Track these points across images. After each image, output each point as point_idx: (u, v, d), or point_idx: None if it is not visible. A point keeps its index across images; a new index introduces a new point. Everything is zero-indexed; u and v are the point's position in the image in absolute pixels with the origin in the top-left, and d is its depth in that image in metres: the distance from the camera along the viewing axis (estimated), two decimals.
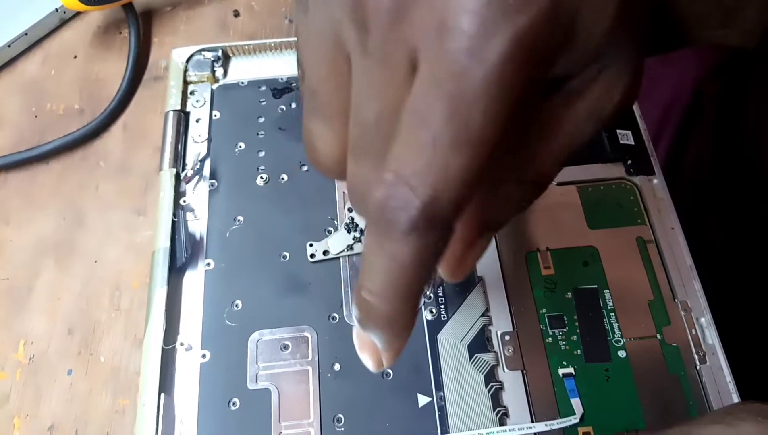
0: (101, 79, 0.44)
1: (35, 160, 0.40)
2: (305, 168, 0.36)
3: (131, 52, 0.44)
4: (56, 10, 0.45)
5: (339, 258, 0.34)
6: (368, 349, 0.19)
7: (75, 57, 0.45)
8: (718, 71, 0.56)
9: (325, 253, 0.34)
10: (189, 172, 0.36)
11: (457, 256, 0.20)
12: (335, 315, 0.32)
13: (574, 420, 0.29)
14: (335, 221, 0.35)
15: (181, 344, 0.31)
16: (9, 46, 0.44)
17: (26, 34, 0.45)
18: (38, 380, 0.34)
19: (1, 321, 0.35)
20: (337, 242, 0.34)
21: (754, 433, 0.20)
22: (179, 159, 0.37)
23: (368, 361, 0.20)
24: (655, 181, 0.36)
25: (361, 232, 0.34)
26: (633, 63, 0.18)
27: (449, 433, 0.29)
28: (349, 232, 0.34)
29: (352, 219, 0.34)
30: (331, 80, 0.18)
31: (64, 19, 0.46)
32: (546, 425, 0.29)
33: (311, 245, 0.34)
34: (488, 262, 0.34)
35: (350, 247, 0.34)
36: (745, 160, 0.51)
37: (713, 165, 0.53)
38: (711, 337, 0.31)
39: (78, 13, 0.46)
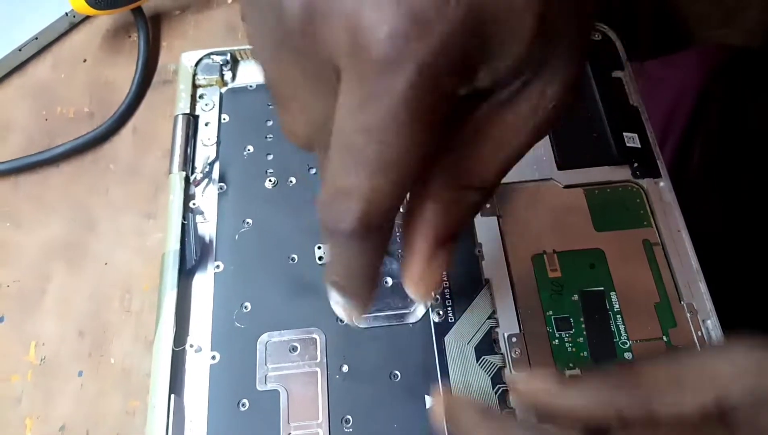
0: (111, 82, 0.44)
1: (46, 163, 0.41)
2: (313, 171, 0.37)
3: (140, 56, 0.44)
4: (66, 14, 0.46)
5: None
6: (340, 306, 0.22)
7: (85, 61, 0.45)
8: (722, 72, 0.56)
9: None
10: (198, 175, 0.36)
11: (420, 270, 0.21)
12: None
13: None
14: None
15: (191, 346, 0.32)
16: (20, 50, 0.45)
17: (36, 38, 0.45)
18: (49, 382, 0.34)
19: (12, 323, 0.36)
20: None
21: (745, 358, 0.20)
22: (189, 162, 0.37)
23: (341, 314, 0.23)
24: (662, 183, 0.36)
25: None
26: (564, 70, 0.17)
27: None
28: None
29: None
30: (277, 75, 0.19)
31: (73, 23, 0.47)
32: None
33: (319, 248, 0.34)
34: (495, 265, 0.34)
35: None
36: (751, 160, 0.51)
37: (719, 166, 0.53)
38: (717, 339, 0.31)
39: (87, 17, 0.47)
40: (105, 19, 0.47)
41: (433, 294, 0.22)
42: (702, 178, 0.52)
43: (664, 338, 0.32)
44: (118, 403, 0.33)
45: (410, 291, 0.21)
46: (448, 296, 0.33)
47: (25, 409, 0.34)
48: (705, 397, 0.20)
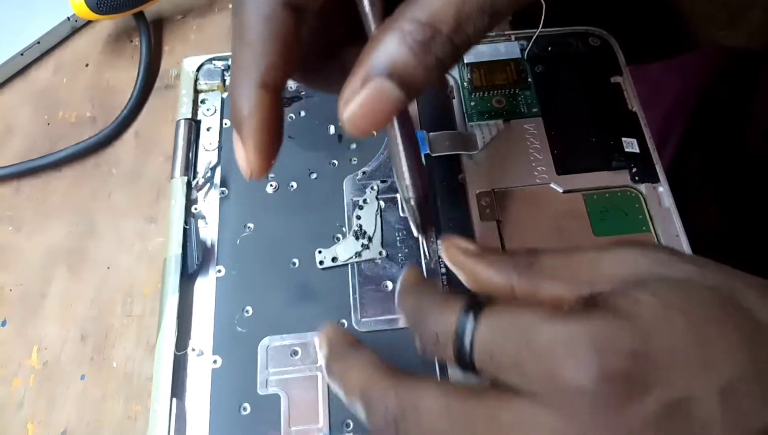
0: (113, 87, 0.44)
1: (48, 167, 0.41)
2: (314, 175, 0.37)
3: (142, 61, 0.44)
4: (68, 18, 0.46)
5: (347, 265, 0.34)
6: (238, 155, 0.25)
7: (87, 65, 0.46)
8: (723, 75, 0.56)
9: (333, 259, 0.34)
10: (200, 180, 0.36)
11: (352, 88, 0.22)
12: (344, 321, 0.33)
13: None
14: (343, 228, 0.35)
15: (193, 350, 0.32)
16: (21, 54, 0.45)
17: (38, 42, 0.45)
18: (51, 386, 0.34)
19: (14, 327, 0.36)
20: (346, 249, 0.34)
21: (628, 254, 0.21)
22: (190, 167, 0.37)
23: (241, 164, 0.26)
24: (660, 188, 0.36)
25: (369, 239, 0.35)
26: None
27: None
28: (357, 239, 0.35)
29: (360, 226, 0.35)
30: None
31: (75, 28, 0.47)
32: None
33: (320, 252, 0.34)
34: None
35: (358, 254, 0.34)
36: (750, 165, 0.52)
37: (718, 171, 0.53)
38: None
39: (89, 22, 0.47)
40: (107, 24, 0.47)
41: (359, 128, 0.23)
42: (701, 183, 0.52)
43: None
44: (119, 408, 0.34)
45: (340, 111, 0.22)
46: None
47: (27, 413, 0.34)
48: (583, 286, 0.21)
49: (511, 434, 0.19)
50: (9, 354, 0.35)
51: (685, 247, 0.34)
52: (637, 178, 0.36)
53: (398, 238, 0.35)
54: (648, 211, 0.35)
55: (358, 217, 0.35)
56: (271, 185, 0.37)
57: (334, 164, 0.37)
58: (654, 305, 0.20)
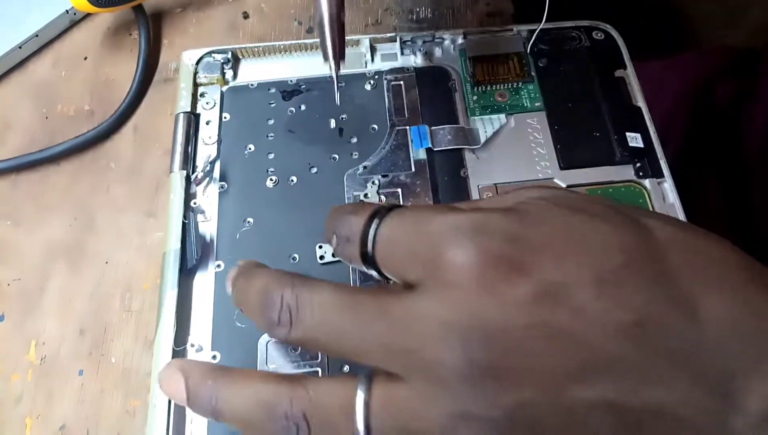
0: (111, 80, 0.44)
1: (46, 161, 0.41)
2: (314, 170, 0.36)
3: (141, 54, 0.44)
4: (66, 11, 0.46)
5: None
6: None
7: (85, 59, 0.45)
8: (724, 74, 0.56)
9: (334, 254, 0.34)
10: (199, 174, 0.36)
11: None
12: None
13: None
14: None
15: (192, 345, 0.32)
16: (20, 47, 0.44)
17: (37, 35, 0.45)
18: (50, 381, 0.34)
19: (13, 322, 0.36)
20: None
21: (537, 191, 0.23)
22: (189, 161, 0.37)
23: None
24: (665, 183, 0.36)
25: None
26: None
27: None
28: None
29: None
30: None
31: (74, 21, 0.47)
32: None
33: (321, 247, 0.34)
34: None
35: None
36: (754, 162, 0.51)
37: (722, 167, 0.53)
38: None
39: (88, 15, 0.47)
40: (106, 17, 0.47)
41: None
42: (705, 179, 0.52)
43: None
44: (118, 403, 0.33)
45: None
46: None
47: (25, 408, 0.33)
48: None
49: (400, 324, 0.20)
50: (7, 349, 0.35)
51: None
52: (641, 173, 0.36)
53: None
54: (652, 206, 0.35)
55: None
56: (271, 179, 0.36)
57: (334, 158, 0.37)
58: (539, 202, 0.22)
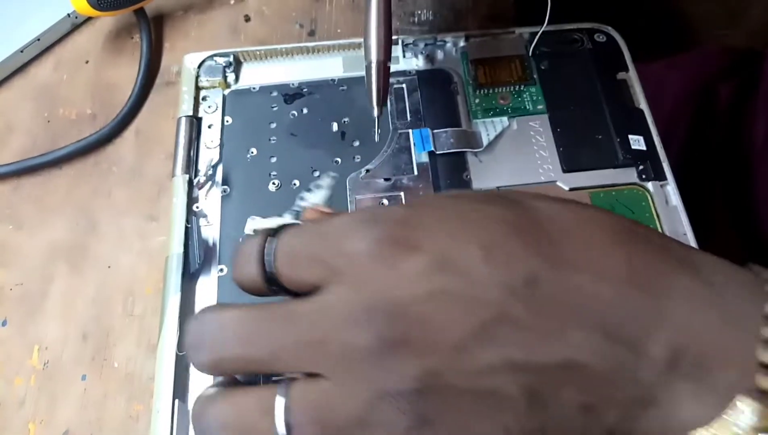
0: (113, 84, 0.44)
1: (48, 165, 0.41)
2: (317, 173, 0.36)
3: (143, 57, 0.44)
4: (68, 15, 0.46)
5: None
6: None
7: (87, 62, 0.45)
8: (725, 75, 0.56)
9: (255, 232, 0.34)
10: (201, 178, 0.36)
11: None
12: None
13: None
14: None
15: None
16: (21, 51, 0.44)
17: (38, 39, 0.45)
18: (53, 386, 0.34)
19: (15, 326, 0.36)
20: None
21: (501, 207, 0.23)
22: (192, 165, 0.37)
23: None
24: (668, 186, 0.36)
25: None
26: None
27: None
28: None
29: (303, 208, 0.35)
30: None
31: (75, 24, 0.46)
32: None
33: (253, 219, 0.34)
34: None
35: None
36: (755, 162, 0.51)
37: (724, 169, 0.53)
38: None
39: (89, 19, 0.47)
40: (107, 20, 0.47)
41: None
42: (707, 181, 0.52)
43: None
44: (121, 408, 0.33)
45: None
46: None
47: (28, 413, 0.33)
48: None
49: (307, 320, 0.21)
50: (10, 354, 0.35)
51: (693, 244, 0.34)
52: (644, 175, 0.36)
53: None
54: (655, 208, 0.35)
55: (301, 199, 0.35)
56: (274, 183, 0.36)
57: (337, 162, 0.37)
58: (427, 195, 0.25)
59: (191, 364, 0.23)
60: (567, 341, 0.20)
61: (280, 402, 0.20)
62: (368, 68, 0.32)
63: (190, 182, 0.36)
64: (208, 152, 0.38)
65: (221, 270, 0.34)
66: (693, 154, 0.53)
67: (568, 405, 0.20)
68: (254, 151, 0.37)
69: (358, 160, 0.37)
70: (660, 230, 0.34)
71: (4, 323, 0.36)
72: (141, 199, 0.39)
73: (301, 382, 0.21)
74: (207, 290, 0.33)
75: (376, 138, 0.35)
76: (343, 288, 0.21)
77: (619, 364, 0.20)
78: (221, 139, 0.38)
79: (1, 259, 0.38)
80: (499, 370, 0.19)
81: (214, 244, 0.34)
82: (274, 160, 0.37)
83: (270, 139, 0.38)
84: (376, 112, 0.33)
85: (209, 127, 0.38)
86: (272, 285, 0.23)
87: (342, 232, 0.22)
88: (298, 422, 0.20)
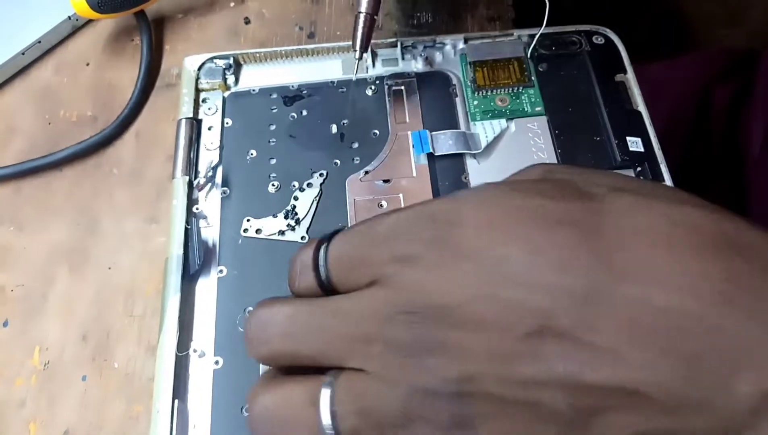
0: (114, 86, 0.44)
1: (49, 167, 0.41)
2: (316, 175, 0.37)
3: (143, 60, 0.44)
4: (69, 17, 0.46)
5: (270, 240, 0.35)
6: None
7: (87, 64, 0.45)
8: (725, 75, 0.56)
9: (258, 231, 0.35)
10: (201, 179, 0.36)
11: None
12: None
13: None
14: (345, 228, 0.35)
15: (195, 351, 0.32)
16: (22, 53, 0.45)
17: (39, 41, 0.45)
18: (53, 386, 0.34)
19: (16, 328, 0.36)
20: (273, 225, 0.35)
21: (540, 173, 0.25)
22: (192, 166, 0.37)
23: None
24: None
25: (297, 221, 0.35)
26: None
27: None
28: (285, 218, 0.35)
29: (294, 207, 0.36)
30: None
31: (76, 27, 0.47)
32: None
33: (248, 220, 0.35)
34: None
35: (281, 232, 0.35)
36: (753, 163, 0.51)
37: (722, 170, 0.53)
38: None
39: (90, 21, 0.47)
40: (108, 23, 0.47)
41: None
42: (705, 182, 0.52)
43: None
44: (121, 408, 0.33)
45: None
46: None
47: (28, 413, 0.34)
48: None
49: (352, 316, 0.21)
50: (11, 354, 0.35)
51: None
52: (641, 177, 0.36)
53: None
54: None
55: (296, 199, 0.36)
56: (273, 185, 0.36)
57: (336, 164, 0.37)
58: (478, 188, 0.23)
59: (249, 355, 0.24)
60: (627, 363, 0.18)
61: (325, 393, 0.21)
62: (357, 17, 0.35)
63: (190, 184, 0.36)
64: (208, 154, 0.38)
65: (221, 271, 0.34)
66: (691, 157, 0.53)
67: (618, 429, 0.18)
68: (254, 152, 0.38)
69: (357, 161, 0.37)
70: None
71: (5, 324, 0.36)
72: (141, 200, 0.40)
73: (346, 374, 0.21)
74: (207, 291, 0.33)
75: (354, 77, 0.39)
76: (391, 290, 0.21)
77: (688, 399, 0.18)
78: (221, 141, 0.38)
79: (2, 260, 0.38)
80: (543, 384, 0.19)
81: (214, 246, 0.35)
82: (273, 161, 0.37)
83: (269, 141, 0.38)
84: (357, 55, 0.36)
85: (209, 129, 0.39)
86: (327, 289, 0.23)
87: (391, 234, 0.22)
88: (342, 413, 0.21)
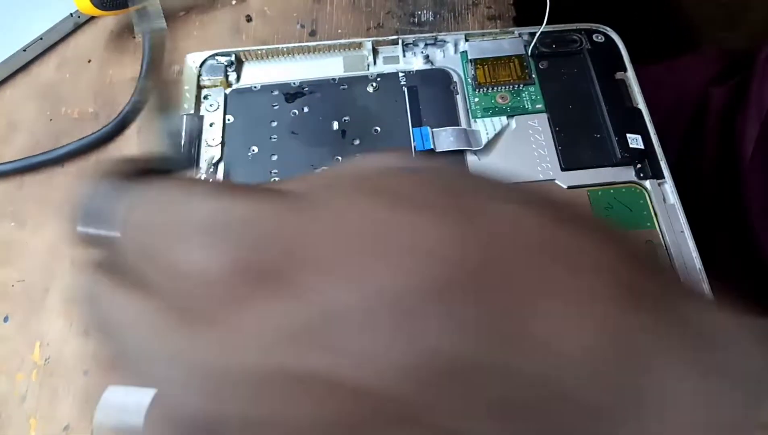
0: (115, 83, 0.44)
1: (51, 163, 0.41)
2: (318, 171, 0.37)
3: (145, 57, 0.44)
4: (71, 14, 0.46)
5: None
6: None
7: (89, 61, 0.45)
8: (724, 77, 0.56)
9: None
10: (203, 175, 0.36)
11: None
12: None
13: None
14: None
15: None
16: (24, 50, 0.45)
17: (41, 38, 0.45)
18: (54, 381, 0.34)
19: (17, 323, 0.36)
20: None
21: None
22: (193, 163, 0.37)
23: None
24: (665, 184, 0.36)
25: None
26: None
27: None
28: None
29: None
30: None
31: (78, 24, 0.47)
32: None
33: None
34: None
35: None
36: (746, 174, 0.51)
37: (719, 170, 0.53)
38: None
39: (92, 18, 0.47)
40: (110, 20, 0.47)
41: None
42: (705, 180, 0.52)
43: None
44: None
45: None
46: None
47: (29, 408, 0.34)
48: None
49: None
50: (12, 349, 0.35)
51: (690, 243, 0.34)
52: (641, 174, 0.36)
53: None
54: (653, 206, 0.35)
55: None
56: (274, 181, 0.36)
57: (337, 160, 0.37)
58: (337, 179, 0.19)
59: None
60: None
61: None
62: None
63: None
64: (210, 150, 0.38)
65: None
66: (689, 158, 0.53)
67: None
68: (255, 149, 0.38)
69: None
70: (658, 228, 0.34)
71: (6, 319, 0.36)
72: None
73: None
74: None
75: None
76: (150, 308, 0.16)
77: None
78: (223, 137, 0.38)
79: (4, 255, 0.38)
80: None
81: None
82: (275, 158, 0.37)
83: (271, 138, 0.38)
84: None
85: (211, 125, 0.39)
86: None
87: (183, 230, 0.16)
88: None
